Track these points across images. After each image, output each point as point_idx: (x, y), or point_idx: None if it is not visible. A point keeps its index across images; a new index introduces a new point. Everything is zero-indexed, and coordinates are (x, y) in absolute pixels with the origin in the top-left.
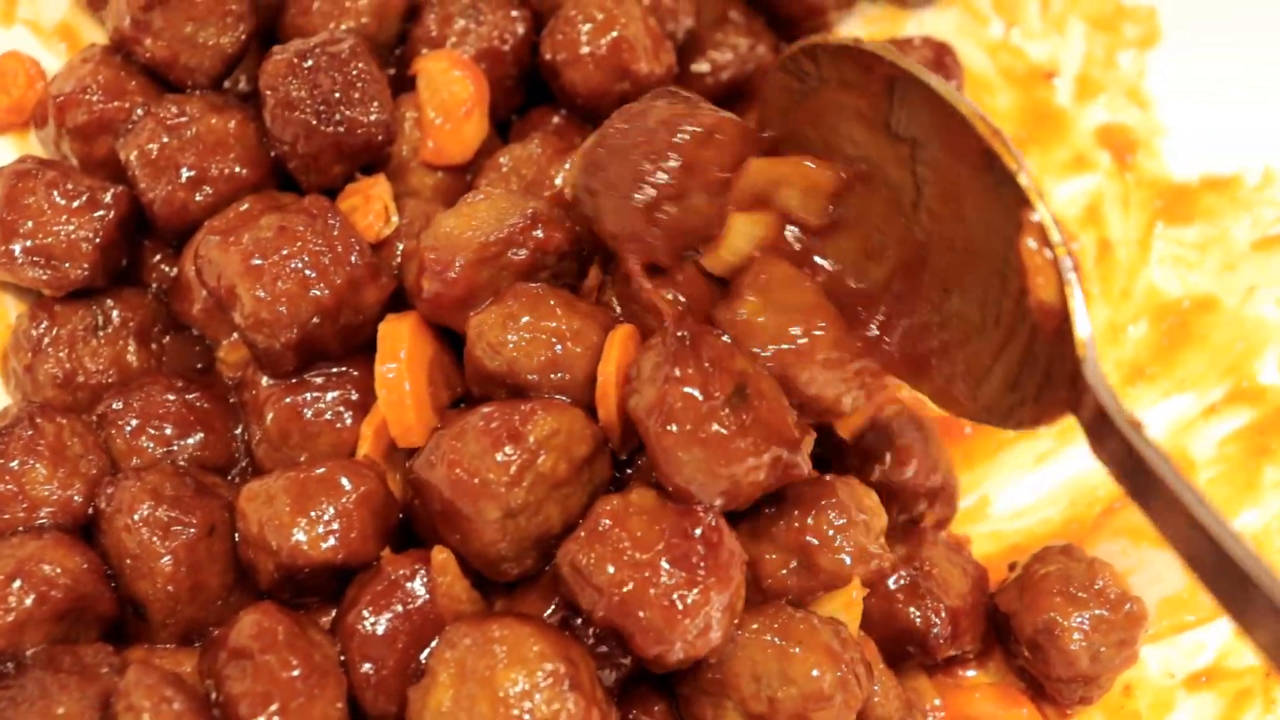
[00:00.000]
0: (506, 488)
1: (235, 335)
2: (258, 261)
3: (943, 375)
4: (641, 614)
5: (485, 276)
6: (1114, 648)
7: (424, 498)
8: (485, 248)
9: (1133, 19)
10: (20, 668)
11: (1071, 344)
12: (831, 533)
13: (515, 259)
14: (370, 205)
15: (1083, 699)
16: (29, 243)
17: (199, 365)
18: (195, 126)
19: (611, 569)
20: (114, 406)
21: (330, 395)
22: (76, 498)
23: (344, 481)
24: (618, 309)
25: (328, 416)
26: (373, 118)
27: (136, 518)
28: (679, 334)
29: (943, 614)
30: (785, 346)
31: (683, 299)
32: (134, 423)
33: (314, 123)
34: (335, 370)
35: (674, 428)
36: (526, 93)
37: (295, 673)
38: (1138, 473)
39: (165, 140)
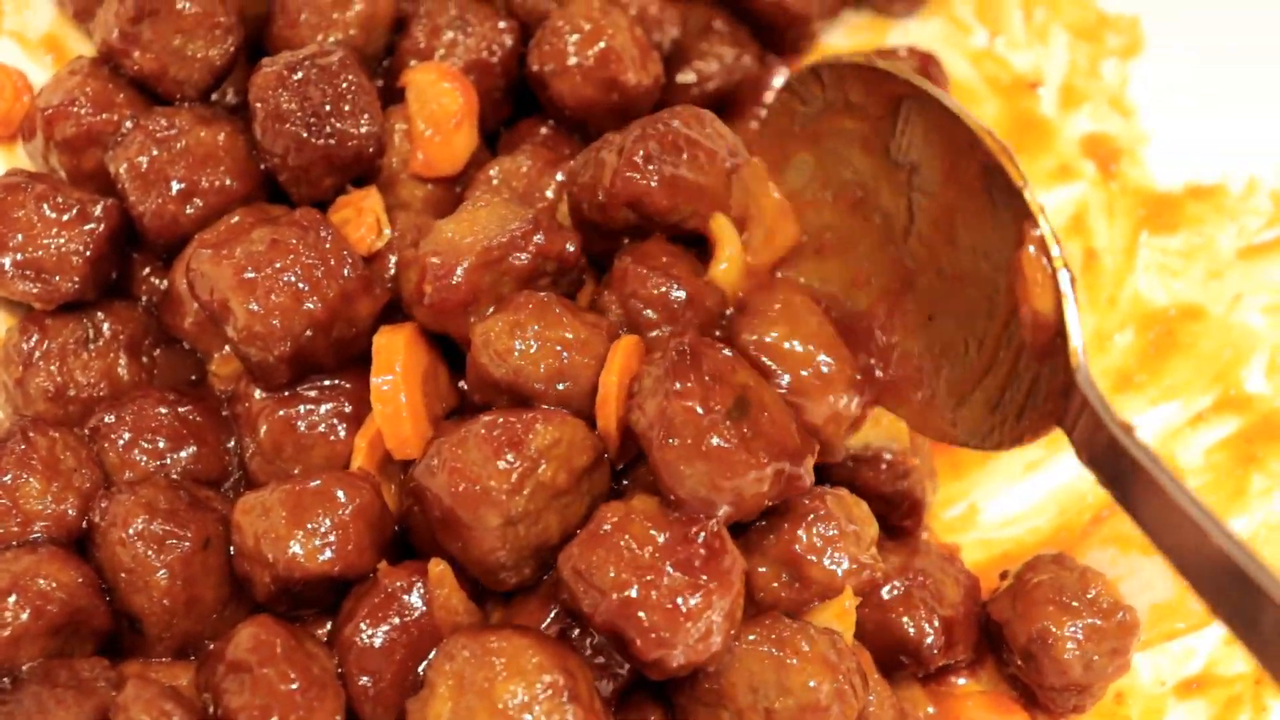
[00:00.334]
0: (508, 495)
1: (227, 348)
2: (250, 275)
3: (923, 399)
4: (643, 617)
5: (488, 281)
6: (1107, 656)
7: (424, 505)
8: (488, 252)
9: (1115, 28)
10: (16, 683)
11: (1064, 354)
12: (822, 544)
13: (517, 264)
14: (362, 218)
15: (1075, 707)
16: (19, 256)
17: (191, 378)
18: (185, 139)
19: (613, 572)
20: (106, 420)
21: (324, 408)
22: (70, 512)
23: (340, 494)
24: (615, 311)
25: (321, 429)
26: (363, 130)
27: (131, 531)
28: (678, 347)
29: (936, 624)
30: (805, 374)
31: (684, 294)
32: (127, 436)
33: (304, 135)
34: (328, 383)
35: (675, 441)
36: (515, 104)
37: (294, 685)
38: (1129, 479)
39: (155, 153)
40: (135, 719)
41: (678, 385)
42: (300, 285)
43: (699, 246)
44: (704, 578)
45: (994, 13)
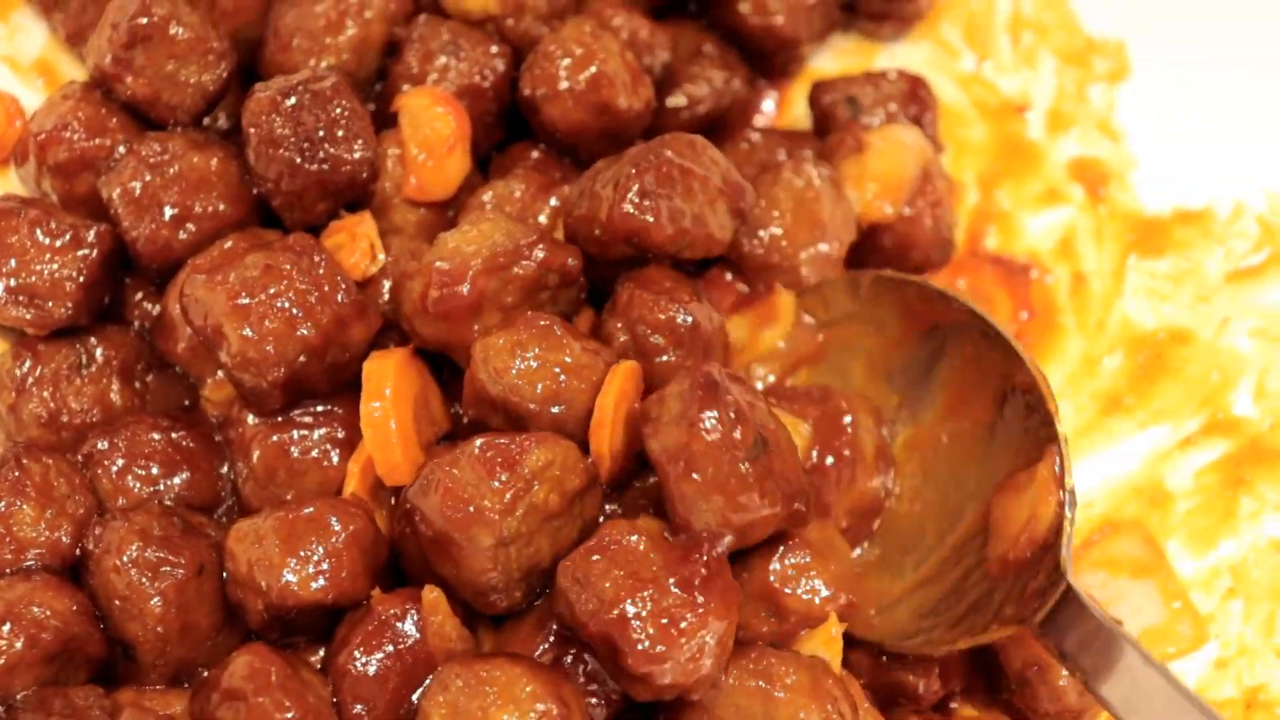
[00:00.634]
0: (500, 515)
1: (220, 373)
2: (245, 300)
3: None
4: (637, 628)
5: (493, 287)
6: None
7: (415, 526)
8: (494, 259)
9: (1102, 53)
10: (11, 711)
11: (1045, 567)
12: (795, 574)
13: (522, 273)
14: (356, 243)
15: None
16: (12, 281)
17: (184, 403)
18: (178, 164)
19: (612, 582)
20: (99, 446)
21: (317, 433)
22: (64, 539)
23: (333, 521)
24: (621, 338)
25: (314, 454)
26: (357, 155)
27: (125, 559)
28: (705, 377)
29: (935, 672)
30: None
31: (691, 319)
32: (120, 462)
33: (298, 160)
34: (322, 408)
35: (698, 476)
36: (507, 128)
37: (289, 714)
38: (1113, 669)
39: (148, 178)
40: None
41: (704, 417)
42: (294, 311)
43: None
44: (702, 598)
45: (982, 37)
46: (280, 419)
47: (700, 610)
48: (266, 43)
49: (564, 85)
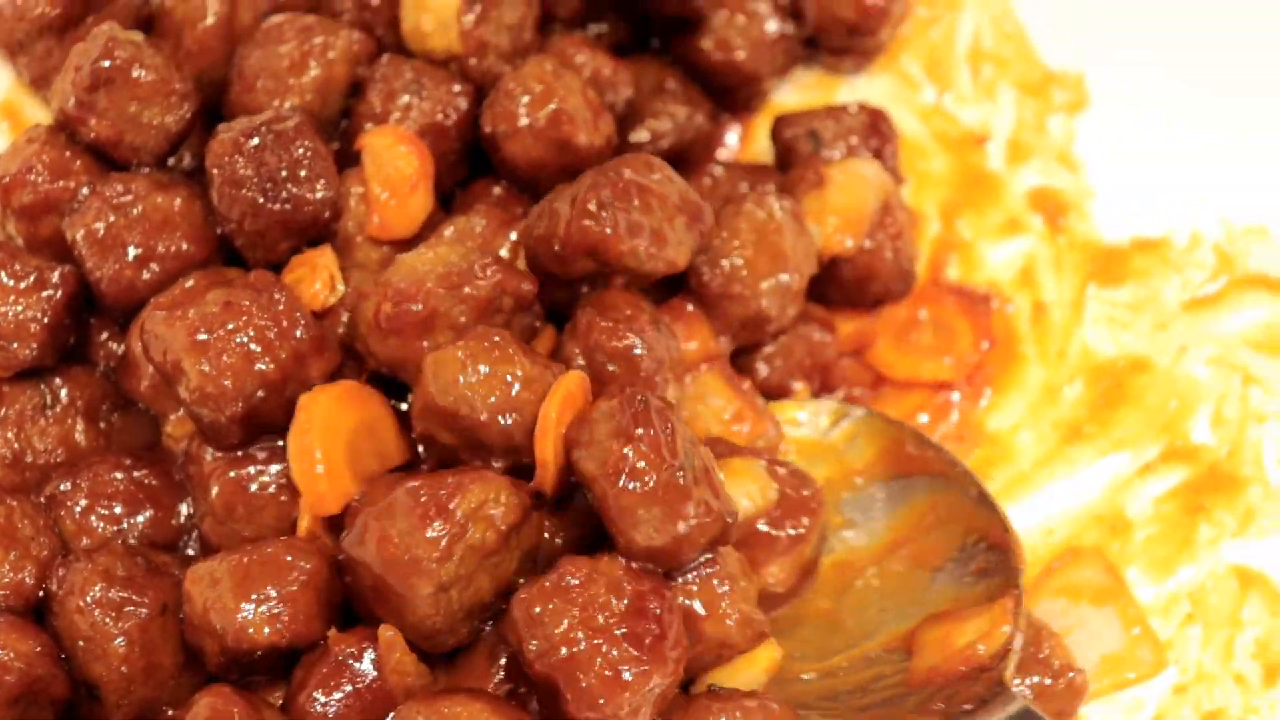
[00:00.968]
0: (438, 563)
1: (182, 410)
2: (203, 336)
3: None
4: (583, 676)
5: (446, 305)
6: (1053, 717)
7: (355, 576)
8: (448, 277)
9: (1061, 84)
10: None
11: (990, 681)
12: (714, 600)
13: (475, 293)
14: (316, 274)
15: None
16: None
17: (149, 441)
18: (141, 205)
19: (565, 624)
20: (62, 488)
21: (274, 468)
22: (28, 580)
23: (288, 563)
24: (579, 363)
25: (272, 490)
26: (319, 195)
27: (89, 599)
28: (638, 397)
29: None
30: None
31: (647, 348)
32: (83, 503)
33: (260, 200)
34: (280, 444)
35: (636, 487)
36: (470, 165)
37: None
38: None
39: (111, 219)
40: None
41: (639, 433)
42: (252, 346)
43: (656, 294)
44: (650, 654)
45: (942, 69)
46: (239, 454)
47: (646, 667)
48: (231, 84)
49: (524, 122)
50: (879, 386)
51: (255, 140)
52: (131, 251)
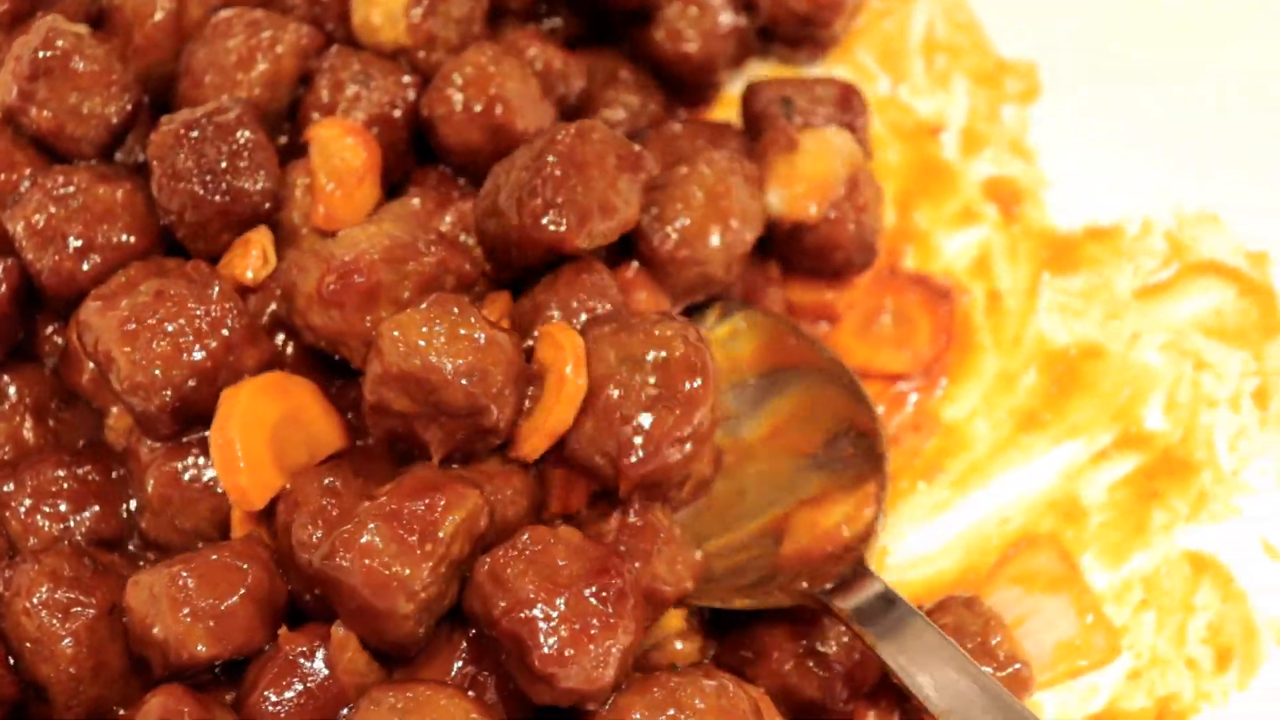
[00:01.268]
0: (424, 586)
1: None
2: (132, 326)
3: None
4: (546, 630)
5: (390, 279)
6: None
7: (333, 593)
8: (392, 250)
9: (1014, 74)
10: None
11: (853, 560)
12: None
13: (418, 269)
14: (249, 248)
15: None
16: None
17: (95, 438)
18: (82, 196)
19: (530, 584)
20: (5, 489)
21: (207, 460)
22: None
23: (226, 574)
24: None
25: (206, 480)
26: (259, 186)
27: (35, 600)
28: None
29: (839, 688)
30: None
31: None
32: (27, 503)
33: (200, 192)
34: None
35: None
36: (419, 155)
37: None
38: (899, 631)
39: (52, 210)
40: None
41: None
42: (182, 335)
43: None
44: (613, 609)
45: (896, 60)
46: (174, 446)
47: (610, 621)
48: (180, 79)
49: (459, 107)
50: None
51: (196, 132)
52: (72, 243)
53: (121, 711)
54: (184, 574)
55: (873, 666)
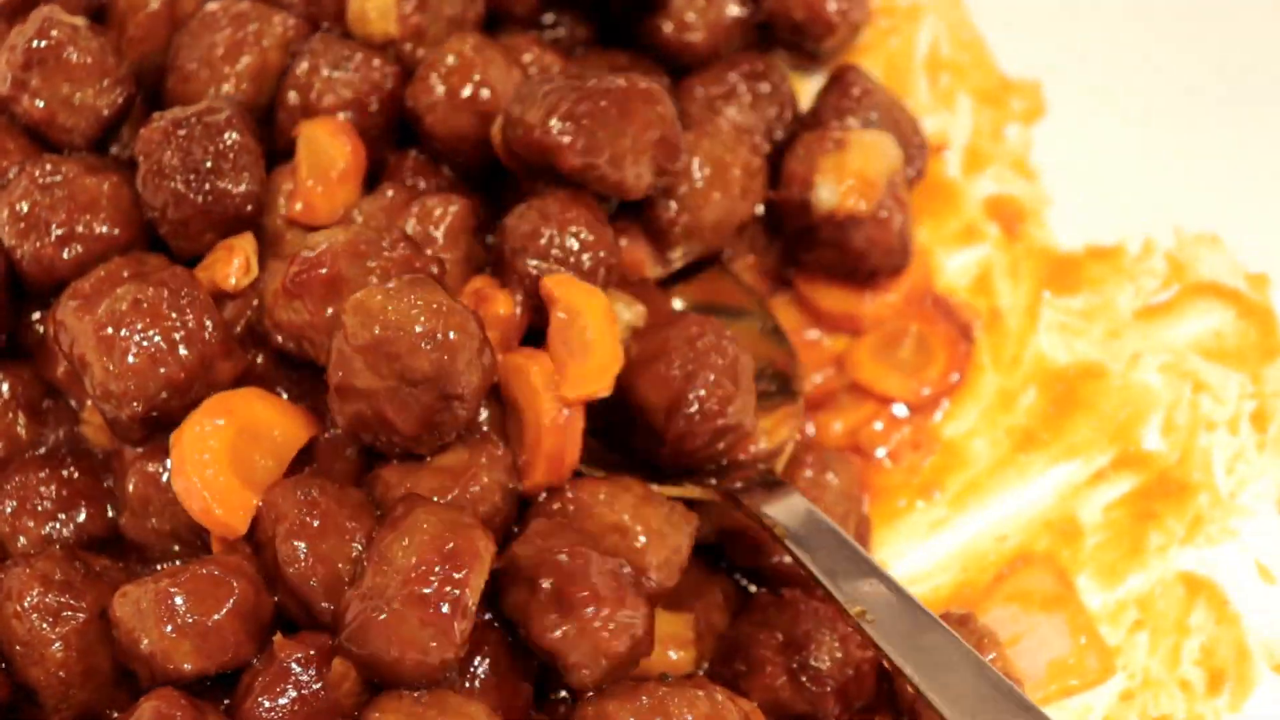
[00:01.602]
0: (459, 646)
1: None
2: (108, 333)
3: None
4: (587, 583)
5: (352, 272)
6: None
7: (365, 666)
8: (354, 245)
9: (1018, 94)
10: None
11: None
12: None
13: (379, 265)
14: (232, 256)
15: None
16: None
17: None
18: (68, 186)
19: (565, 551)
20: None
21: None
22: None
23: (212, 589)
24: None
25: None
26: (242, 189)
27: (26, 604)
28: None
29: (831, 703)
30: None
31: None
32: (12, 505)
33: (183, 191)
34: None
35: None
36: (401, 144)
37: None
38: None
39: (37, 198)
40: None
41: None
42: (157, 348)
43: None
44: (630, 592)
45: (901, 77)
46: (156, 446)
47: (631, 596)
48: (168, 72)
49: (442, 94)
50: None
51: (184, 130)
52: (54, 231)
53: (115, 715)
54: (171, 588)
55: (867, 682)
